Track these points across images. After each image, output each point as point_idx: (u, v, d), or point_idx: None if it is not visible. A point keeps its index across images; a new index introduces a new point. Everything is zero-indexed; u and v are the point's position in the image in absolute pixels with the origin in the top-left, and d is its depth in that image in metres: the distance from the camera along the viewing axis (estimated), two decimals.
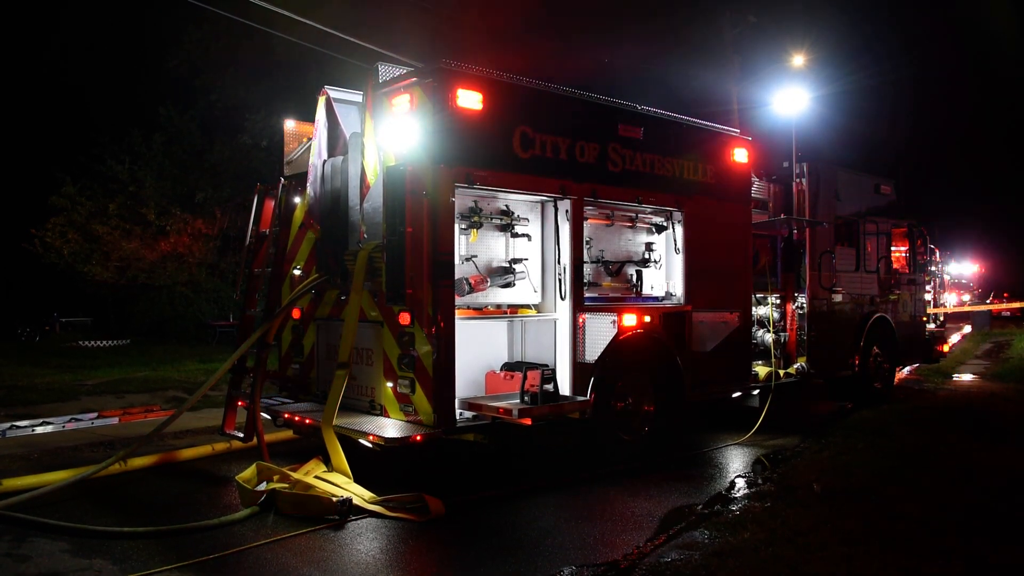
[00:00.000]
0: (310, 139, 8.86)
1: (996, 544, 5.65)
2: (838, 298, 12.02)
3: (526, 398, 7.45)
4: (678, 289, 9.42)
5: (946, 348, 18.25)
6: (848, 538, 5.69)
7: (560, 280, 8.24)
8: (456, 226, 7.45)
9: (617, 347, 8.22)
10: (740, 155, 10.10)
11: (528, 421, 7.26)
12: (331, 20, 14.87)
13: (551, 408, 7.52)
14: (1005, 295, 57.06)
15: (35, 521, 6.27)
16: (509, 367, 8.37)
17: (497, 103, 7.56)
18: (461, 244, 7.72)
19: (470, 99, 7.31)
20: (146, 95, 27.04)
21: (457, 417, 7.33)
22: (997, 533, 5.90)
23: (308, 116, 9.14)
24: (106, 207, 24.74)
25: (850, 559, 5.28)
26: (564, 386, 8.03)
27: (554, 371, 7.85)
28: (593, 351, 8.14)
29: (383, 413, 7.69)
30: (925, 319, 14.57)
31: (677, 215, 9.40)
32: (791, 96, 14.75)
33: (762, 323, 11.16)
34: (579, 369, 8.14)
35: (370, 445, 7.11)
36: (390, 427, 7.24)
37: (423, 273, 7.11)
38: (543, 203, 8.41)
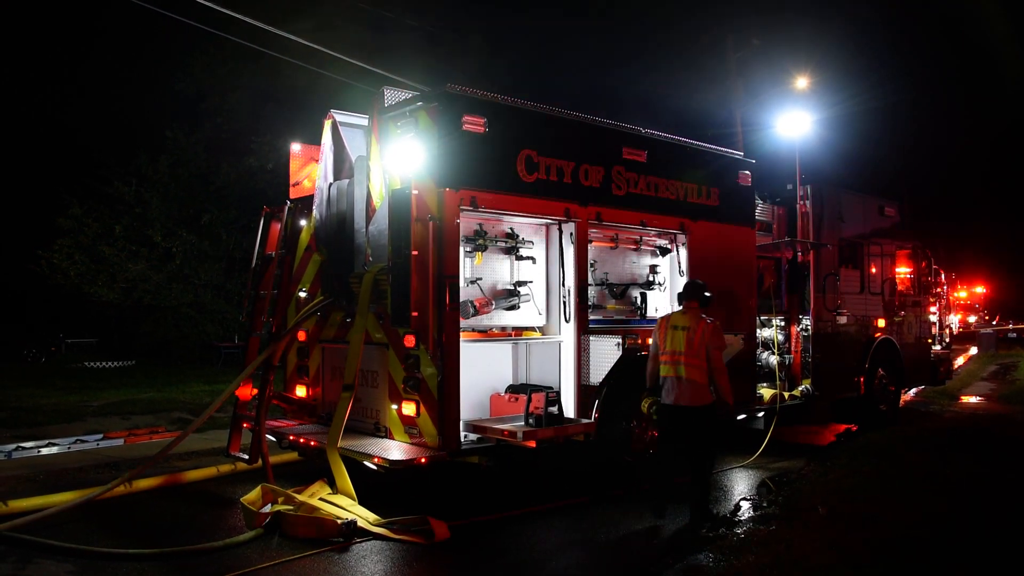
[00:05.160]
0: (316, 162, 8.94)
1: (1001, 574, 5.63)
2: (843, 320, 12.01)
3: (531, 420, 7.46)
4: None
5: (952, 370, 18.15)
6: (853, 562, 5.67)
7: (564, 303, 8.26)
8: (461, 249, 7.50)
9: (621, 369, 8.23)
10: (744, 177, 10.15)
11: (532, 443, 7.27)
12: (338, 45, 15.05)
13: (555, 430, 7.52)
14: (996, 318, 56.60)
15: (40, 543, 6.27)
16: (514, 389, 8.38)
17: (502, 127, 7.62)
18: (466, 267, 7.76)
19: (475, 123, 7.38)
20: (153, 118, 27.25)
21: (462, 439, 7.34)
22: (1004, 561, 5.87)
23: (314, 139, 9.23)
24: (112, 229, 24.84)
25: None
26: (569, 408, 8.03)
27: (559, 393, 7.87)
28: (597, 373, 8.15)
29: (388, 435, 7.70)
30: (930, 341, 14.53)
31: (681, 238, 9.44)
32: (794, 118, 14.73)
33: (767, 345, 11.15)
34: (584, 391, 8.15)
35: (375, 467, 7.12)
36: (395, 449, 7.26)
37: (428, 296, 7.15)
38: (548, 226, 8.45)
